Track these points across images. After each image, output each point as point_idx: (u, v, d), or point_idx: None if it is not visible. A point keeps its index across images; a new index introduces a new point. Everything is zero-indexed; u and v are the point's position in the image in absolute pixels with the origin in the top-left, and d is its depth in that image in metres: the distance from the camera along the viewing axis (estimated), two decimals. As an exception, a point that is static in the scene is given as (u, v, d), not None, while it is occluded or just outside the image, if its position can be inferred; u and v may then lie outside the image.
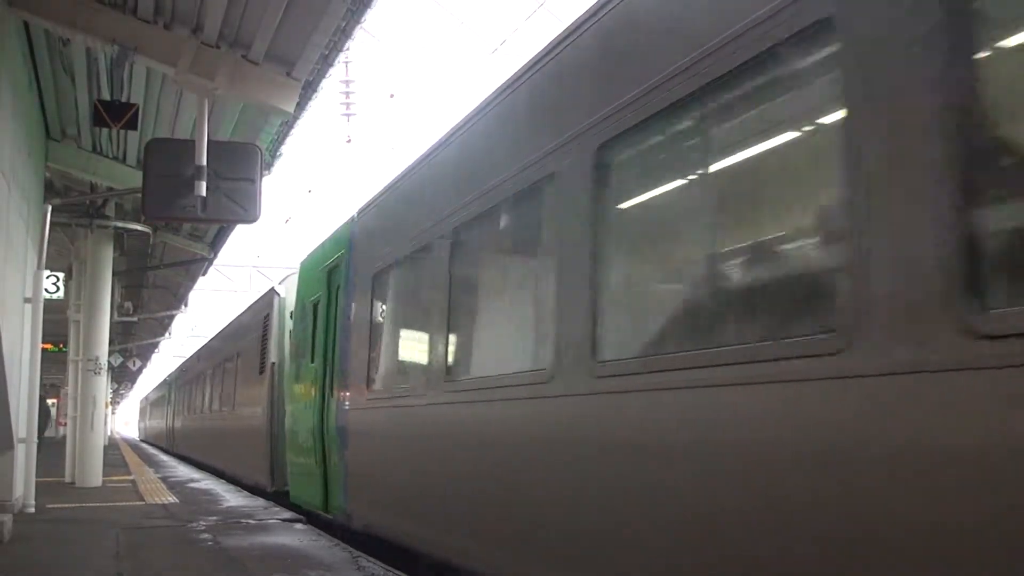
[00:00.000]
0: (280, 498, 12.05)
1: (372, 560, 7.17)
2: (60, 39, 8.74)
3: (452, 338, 6.23)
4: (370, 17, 7.80)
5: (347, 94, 42.68)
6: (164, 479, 17.03)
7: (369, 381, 7.95)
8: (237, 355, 17.39)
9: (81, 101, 10.36)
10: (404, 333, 7.73)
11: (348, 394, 8.46)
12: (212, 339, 23.89)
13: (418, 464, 6.65)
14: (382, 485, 7.53)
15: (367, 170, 49.31)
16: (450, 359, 6.17)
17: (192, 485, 15.51)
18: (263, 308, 15.14)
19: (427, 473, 6.46)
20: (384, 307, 8.02)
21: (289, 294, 13.46)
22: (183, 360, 32.76)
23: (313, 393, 9.66)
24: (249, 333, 16.32)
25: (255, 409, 14.65)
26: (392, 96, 60.13)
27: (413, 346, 7.30)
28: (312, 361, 9.94)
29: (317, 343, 9.83)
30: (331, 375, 9.14)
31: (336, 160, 65.45)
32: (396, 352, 7.82)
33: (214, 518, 10.12)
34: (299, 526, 9.45)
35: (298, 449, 10.46)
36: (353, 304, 8.61)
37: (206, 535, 8.65)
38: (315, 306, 10.11)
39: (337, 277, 9.33)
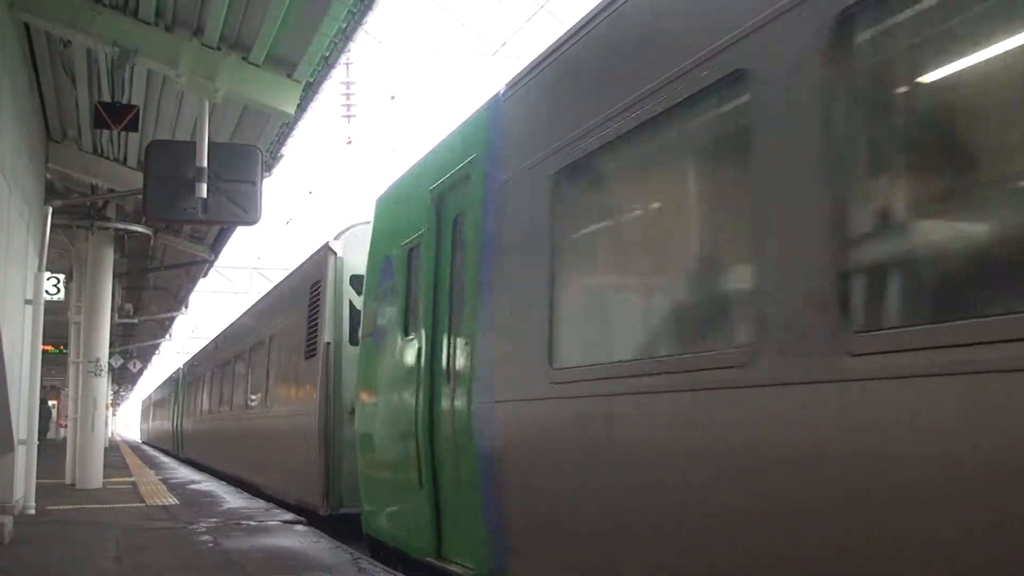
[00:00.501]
0: (332, 522, 9.78)
1: (373, 562, 7.17)
2: (61, 41, 8.75)
3: (859, 253, 3.11)
4: (371, 19, 7.83)
5: (348, 96, 42.73)
6: (165, 481, 17.02)
7: (555, 355, 4.84)
8: (270, 339, 14.17)
9: (82, 102, 10.36)
10: (664, 258, 4.41)
11: (497, 378, 5.49)
12: (234, 323, 20.08)
13: (745, 507, 3.43)
14: (622, 541, 4.25)
15: (367, 172, 49.31)
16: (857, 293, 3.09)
17: (193, 487, 15.51)
18: (311, 274, 11.62)
19: (771, 522, 3.31)
20: (588, 222, 5.03)
21: (350, 251, 10.55)
22: (193, 353, 28.74)
23: (410, 381, 6.81)
24: (288, 309, 12.90)
25: (301, 406, 11.54)
26: (393, 98, 60.28)
27: (698, 280, 4.12)
28: (408, 334, 7.08)
29: (418, 307, 6.90)
30: (450, 351, 6.29)
31: (337, 162, 65.50)
32: (638, 296, 4.67)
33: (215, 520, 10.11)
34: (300, 528, 9.44)
35: (381, 462, 7.66)
36: (503, 232, 5.57)
37: (206, 537, 8.65)
38: (410, 253, 7.21)
39: (459, 199, 6.36)
